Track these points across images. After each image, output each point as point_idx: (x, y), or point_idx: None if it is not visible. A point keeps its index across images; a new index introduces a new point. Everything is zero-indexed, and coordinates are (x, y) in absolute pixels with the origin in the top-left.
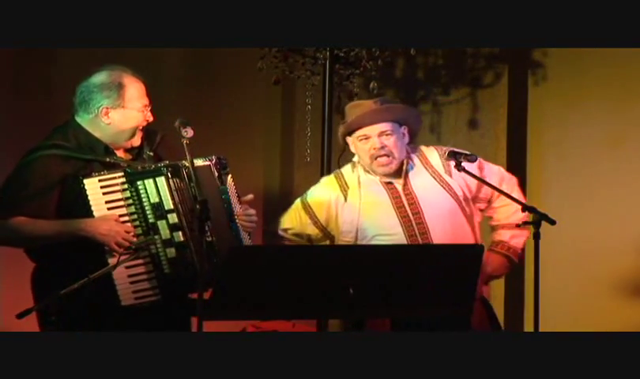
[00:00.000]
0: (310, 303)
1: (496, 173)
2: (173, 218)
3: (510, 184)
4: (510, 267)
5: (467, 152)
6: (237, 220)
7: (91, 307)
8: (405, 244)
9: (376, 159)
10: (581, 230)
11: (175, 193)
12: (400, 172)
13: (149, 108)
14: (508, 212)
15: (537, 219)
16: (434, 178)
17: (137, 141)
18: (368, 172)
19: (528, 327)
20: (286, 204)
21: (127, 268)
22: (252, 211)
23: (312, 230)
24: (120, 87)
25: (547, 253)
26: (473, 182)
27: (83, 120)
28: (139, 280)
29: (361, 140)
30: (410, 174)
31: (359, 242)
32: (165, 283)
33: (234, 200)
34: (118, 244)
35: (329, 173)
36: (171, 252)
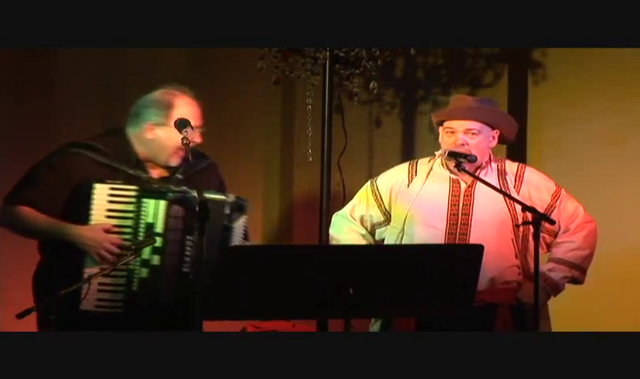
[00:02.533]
0: (310, 303)
1: (571, 211)
2: (158, 241)
3: (580, 224)
4: (543, 296)
5: (467, 153)
6: None
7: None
8: (405, 244)
9: None
10: None
11: (169, 219)
12: (474, 172)
13: (200, 131)
14: (567, 248)
15: (537, 219)
16: (501, 189)
17: (174, 160)
18: (443, 166)
19: None
20: (286, 204)
21: (102, 276)
22: None
23: (375, 212)
24: (169, 106)
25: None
26: (539, 209)
27: (130, 131)
28: (106, 290)
29: (447, 132)
30: (481, 177)
31: (405, 231)
32: (130, 299)
33: (236, 240)
34: (99, 255)
35: (329, 173)
36: (145, 272)
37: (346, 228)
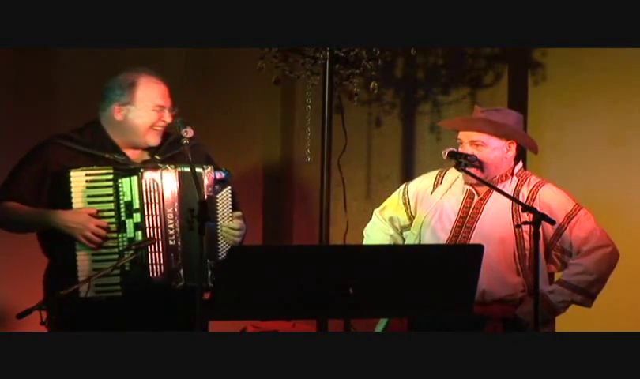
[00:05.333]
0: (310, 303)
1: (585, 233)
2: (137, 217)
3: (593, 248)
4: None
5: (467, 153)
6: (219, 231)
7: (92, 305)
8: (405, 244)
9: None
10: None
11: (144, 194)
12: (491, 183)
13: (170, 111)
14: (574, 271)
15: (537, 219)
16: (513, 202)
17: (153, 141)
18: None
19: None
20: (286, 205)
21: (93, 261)
22: (235, 224)
23: (402, 214)
24: (132, 85)
25: None
26: (550, 229)
27: (101, 118)
28: (102, 275)
29: (459, 143)
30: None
31: (420, 236)
32: (125, 280)
33: (222, 211)
34: (85, 237)
35: (329, 173)
36: (131, 251)
37: (376, 227)
